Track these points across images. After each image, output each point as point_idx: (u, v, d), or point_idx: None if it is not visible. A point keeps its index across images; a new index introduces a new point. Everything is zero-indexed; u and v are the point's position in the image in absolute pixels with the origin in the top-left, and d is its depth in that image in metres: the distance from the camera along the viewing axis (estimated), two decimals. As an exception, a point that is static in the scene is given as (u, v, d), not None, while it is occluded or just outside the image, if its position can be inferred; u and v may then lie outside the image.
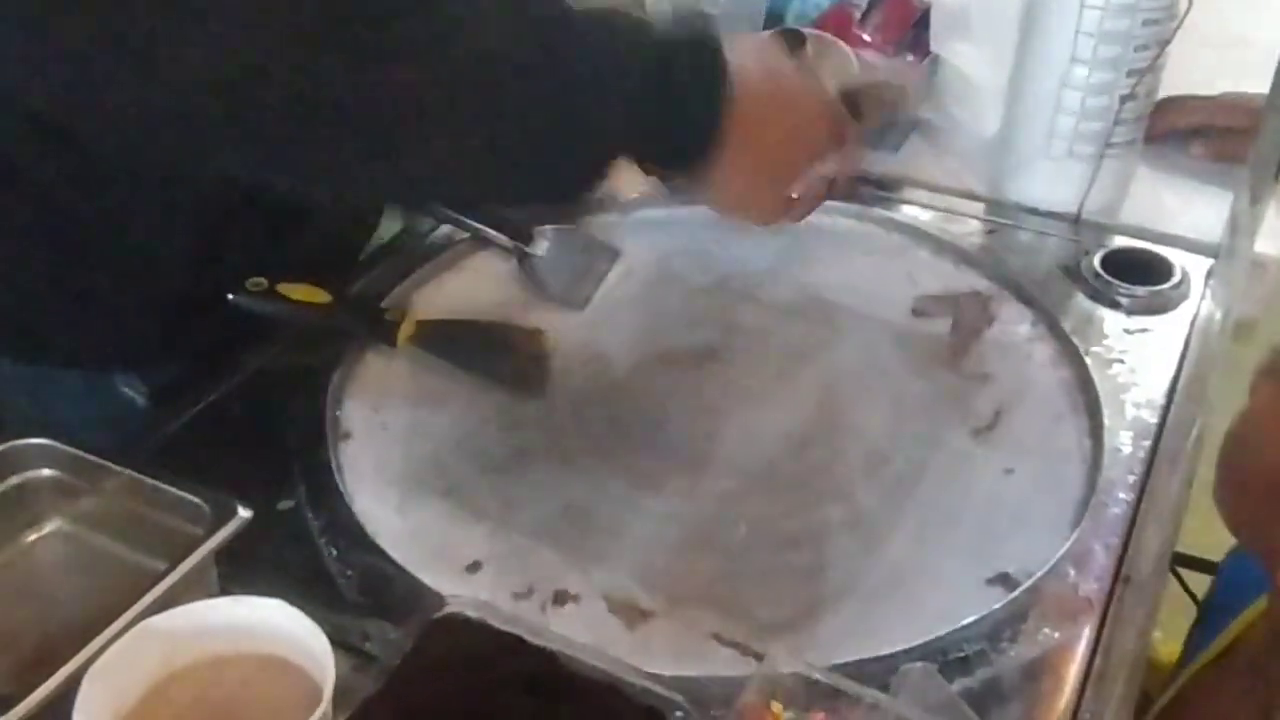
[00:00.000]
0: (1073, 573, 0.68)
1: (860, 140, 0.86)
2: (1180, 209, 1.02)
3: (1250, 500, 0.79)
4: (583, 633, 0.64)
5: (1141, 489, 0.73)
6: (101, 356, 0.86)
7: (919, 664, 0.57)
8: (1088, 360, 0.83)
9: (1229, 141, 1.07)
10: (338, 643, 0.55)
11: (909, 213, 1.02)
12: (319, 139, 0.63)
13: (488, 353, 0.85)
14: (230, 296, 0.81)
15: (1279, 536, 0.77)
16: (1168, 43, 0.93)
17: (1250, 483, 0.79)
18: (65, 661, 0.55)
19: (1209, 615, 1.02)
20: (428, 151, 0.65)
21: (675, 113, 0.70)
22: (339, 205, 0.84)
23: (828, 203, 0.90)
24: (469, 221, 0.95)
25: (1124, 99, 0.95)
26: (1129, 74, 0.94)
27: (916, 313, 0.90)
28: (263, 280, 0.82)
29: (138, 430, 0.83)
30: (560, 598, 0.68)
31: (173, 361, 0.87)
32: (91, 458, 0.65)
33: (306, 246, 0.87)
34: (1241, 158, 1.03)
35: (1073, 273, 0.93)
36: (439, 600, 0.62)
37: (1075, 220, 1.00)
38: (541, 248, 0.92)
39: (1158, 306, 0.90)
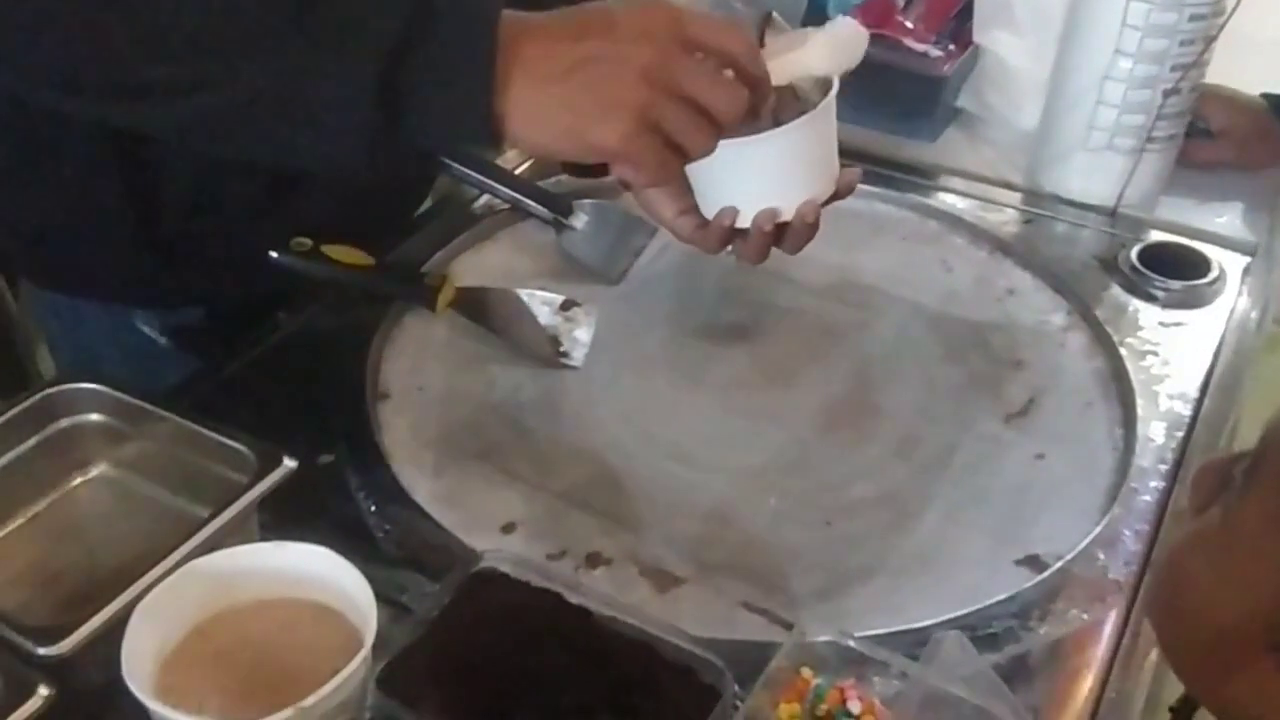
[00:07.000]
0: (1102, 556, 0.69)
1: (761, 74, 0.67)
2: (1218, 205, 1.02)
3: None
4: (614, 595, 0.64)
5: (1173, 477, 0.74)
6: (106, 289, 0.87)
7: (952, 632, 0.58)
8: (1122, 351, 0.84)
9: (1223, 146, 1.05)
10: (375, 594, 0.56)
11: (945, 200, 1.02)
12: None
13: (524, 321, 0.86)
14: (273, 255, 0.82)
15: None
16: (1214, 38, 0.93)
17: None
18: (110, 600, 0.56)
19: None
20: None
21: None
22: None
23: (864, 187, 0.87)
24: (508, 192, 0.95)
25: (1167, 93, 0.95)
26: (1173, 68, 0.94)
27: None
28: (306, 240, 0.82)
29: (159, 368, 0.84)
30: (593, 560, 0.68)
31: (188, 306, 0.88)
32: (139, 403, 0.66)
33: (353, 213, 0.87)
34: (1243, 164, 1.02)
35: (1109, 265, 0.93)
36: (475, 557, 0.63)
37: (1112, 213, 1.00)
38: (579, 220, 0.93)
39: (1193, 301, 0.90)
